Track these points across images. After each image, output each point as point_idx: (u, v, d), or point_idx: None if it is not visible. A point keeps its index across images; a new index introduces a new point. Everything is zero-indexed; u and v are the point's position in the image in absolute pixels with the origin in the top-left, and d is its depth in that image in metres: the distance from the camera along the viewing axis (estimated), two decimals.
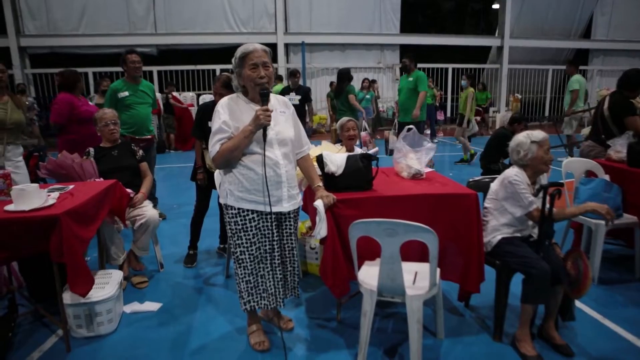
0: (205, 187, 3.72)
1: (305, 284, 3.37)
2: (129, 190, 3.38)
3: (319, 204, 2.44)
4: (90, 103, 4.76)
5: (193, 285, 3.44)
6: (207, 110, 3.47)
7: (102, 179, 3.35)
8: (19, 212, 2.36)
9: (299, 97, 7.16)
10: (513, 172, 2.62)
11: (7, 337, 2.58)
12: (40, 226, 2.34)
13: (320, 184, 2.57)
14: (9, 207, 2.42)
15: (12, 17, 11.99)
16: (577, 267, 2.54)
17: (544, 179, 2.78)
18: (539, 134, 2.62)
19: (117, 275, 2.96)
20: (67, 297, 2.58)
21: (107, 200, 2.99)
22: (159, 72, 13.12)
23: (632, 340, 2.62)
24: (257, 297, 2.45)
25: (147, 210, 3.46)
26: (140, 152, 3.80)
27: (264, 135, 2.23)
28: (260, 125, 2.20)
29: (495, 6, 15.62)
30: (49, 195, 2.58)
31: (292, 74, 7.54)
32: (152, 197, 5.15)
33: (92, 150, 3.62)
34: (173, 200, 5.79)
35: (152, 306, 3.07)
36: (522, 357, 2.44)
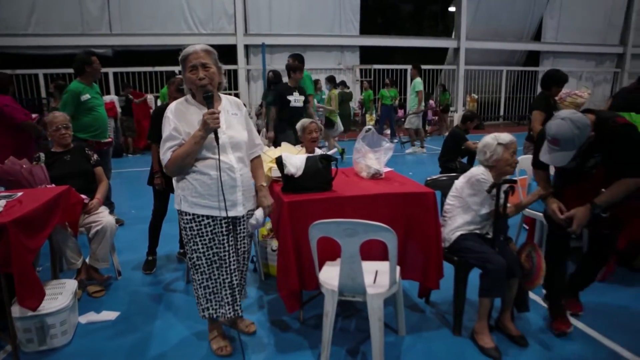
0: (163, 192, 3.63)
1: (267, 286, 3.35)
2: (83, 196, 3.27)
3: (259, 214, 2.39)
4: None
5: (152, 292, 3.36)
6: (162, 113, 3.39)
7: (53, 185, 3.21)
8: None
9: (302, 97, 5.68)
10: (480, 171, 2.69)
11: None
12: None
13: (264, 183, 2.53)
14: None
15: None
16: (530, 260, 2.64)
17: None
18: (506, 137, 2.68)
19: (71, 284, 2.85)
20: (16, 310, 2.46)
21: (58, 207, 2.87)
22: (115, 74, 12.71)
23: (581, 327, 2.75)
24: (215, 305, 2.41)
25: (104, 217, 3.35)
26: (95, 156, 3.68)
27: (217, 138, 2.19)
28: (210, 129, 2.15)
29: (452, 9, 16.04)
30: None
31: (292, 68, 5.67)
32: (108, 202, 5.01)
33: (42, 155, 3.47)
34: (131, 205, 5.63)
35: (109, 315, 2.97)
36: (481, 349, 2.51)
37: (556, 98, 4.43)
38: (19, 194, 2.81)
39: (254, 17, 13.41)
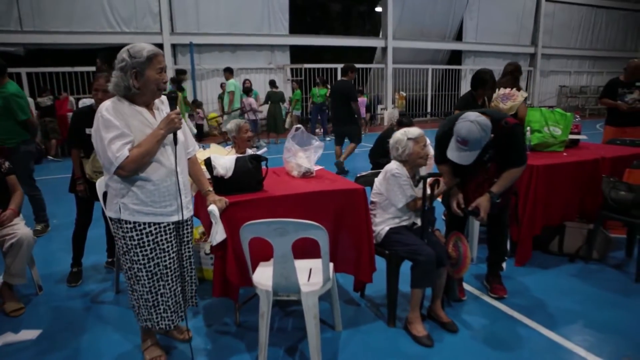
0: (86, 199, 3.44)
1: (201, 291, 3.27)
2: None
3: (213, 208, 2.38)
4: None
5: (78, 305, 3.17)
6: (83, 117, 3.23)
7: None
8: None
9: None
10: (394, 166, 2.80)
11: None
12: None
13: (211, 188, 2.51)
14: None
15: None
16: (457, 249, 2.80)
17: (422, 171, 3.00)
18: (414, 131, 2.83)
19: None
20: None
21: None
22: (29, 74, 11.81)
23: (505, 310, 2.94)
24: (156, 318, 2.31)
25: (19, 229, 3.10)
26: (7, 164, 3.40)
27: (175, 139, 2.16)
28: (174, 129, 2.13)
29: (379, 9, 16.50)
30: None
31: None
32: (42, 213, 4.69)
33: None
34: (51, 213, 5.27)
35: (29, 334, 2.76)
36: (414, 338, 2.62)
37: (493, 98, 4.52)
38: None
39: (180, 16, 13.03)
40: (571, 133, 4.14)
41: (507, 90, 4.18)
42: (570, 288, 3.26)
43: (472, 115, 2.58)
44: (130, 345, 2.63)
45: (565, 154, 3.92)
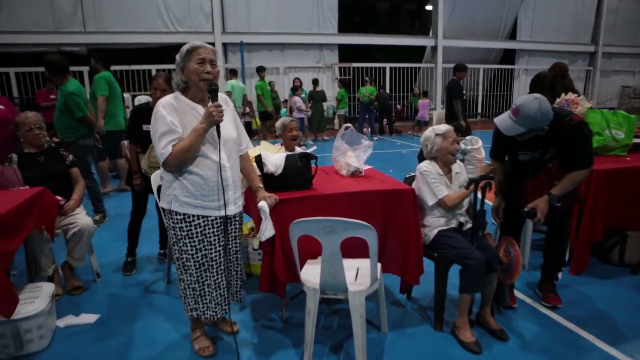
0: (142, 192, 3.58)
1: (249, 286, 3.34)
2: (58, 197, 3.20)
3: (263, 204, 2.42)
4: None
5: (133, 294, 3.31)
6: (141, 113, 3.35)
7: (27, 187, 3.14)
8: None
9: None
10: (424, 164, 2.80)
11: None
12: None
13: (261, 185, 2.55)
14: None
15: None
16: (508, 255, 2.70)
17: (468, 172, 2.94)
18: (442, 127, 2.83)
19: (47, 288, 2.78)
20: None
21: (33, 209, 2.80)
22: (90, 73, 12.43)
23: (558, 320, 2.81)
24: (203, 307, 2.39)
25: (80, 218, 3.28)
26: (70, 156, 3.60)
27: (218, 132, 2.17)
28: (214, 122, 2.14)
29: (429, 7, 16.21)
30: None
31: None
32: (99, 203, 4.95)
33: (14, 156, 3.38)
34: (108, 205, 5.53)
35: (88, 318, 2.91)
36: (462, 344, 2.55)
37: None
38: None
39: (231, 16, 13.34)
40: (635, 136, 3.91)
41: (572, 95, 3.98)
42: (632, 301, 3.07)
43: (542, 97, 2.49)
44: (180, 334, 2.72)
45: (628, 158, 3.70)
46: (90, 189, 4.79)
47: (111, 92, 5.55)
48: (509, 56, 17.23)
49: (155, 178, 3.16)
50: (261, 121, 10.83)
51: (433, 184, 2.72)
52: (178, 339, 2.68)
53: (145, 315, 2.97)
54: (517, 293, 3.12)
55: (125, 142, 6.56)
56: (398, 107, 15.24)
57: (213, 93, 2.19)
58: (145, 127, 3.21)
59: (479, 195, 2.66)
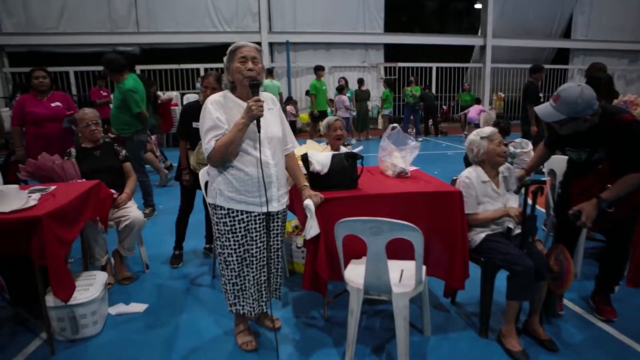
0: (190, 188, 3.69)
1: (292, 283, 3.37)
2: (112, 190, 3.34)
3: (308, 203, 2.43)
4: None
5: (179, 286, 3.42)
6: (191, 111, 3.45)
7: (84, 180, 3.30)
8: None
9: None
10: (466, 173, 2.74)
11: None
12: (21, 228, 2.29)
13: (306, 183, 2.57)
14: None
15: None
16: (559, 263, 2.59)
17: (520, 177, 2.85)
18: (487, 130, 2.75)
19: (101, 276, 2.92)
20: (50, 299, 2.54)
21: (90, 201, 2.95)
22: (142, 71, 12.93)
23: (613, 333, 2.68)
24: (242, 302, 2.45)
25: (132, 211, 3.42)
26: (124, 152, 3.76)
27: (258, 127, 2.20)
28: (253, 116, 2.16)
29: (478, 6, 15.79)
30: (29, 197, 2.54)
31: None
32: (149, 197, 5.15)
33: (73, 150, 3.57)
34: (157, 199, 5.72)
35: (138, 307, 3.04)
36: (507, 353, 2.47)
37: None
38: (52, 187, 2.89)
39: (278, 15, 13.48)
40: None
41: (631, 96, 3.78)
42: None
43: (585, 85, 2.40)
44: (223, 328, 2.78)
45: None
46: (142, 183, 4.98)
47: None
48: (562, 56, 16.51)
49: (203, 174, 3.25)
50: (314, 122, 10.80)
51: (467, 198, 2.65)
52: (221, 332, 2.74)
53: (191, 308, 3.06)
54: (568, 303, 3.00)
55: (152, 137, 6.74)
56: (444, 107, 14.94)
57: (254, 88, 2.22)
58: (194, 124, 3.30)
59: (529, 200, 2.57)
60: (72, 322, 2.60)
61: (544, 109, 2.45)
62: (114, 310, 2.99)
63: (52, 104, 4.33)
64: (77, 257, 3.65)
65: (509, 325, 2.53)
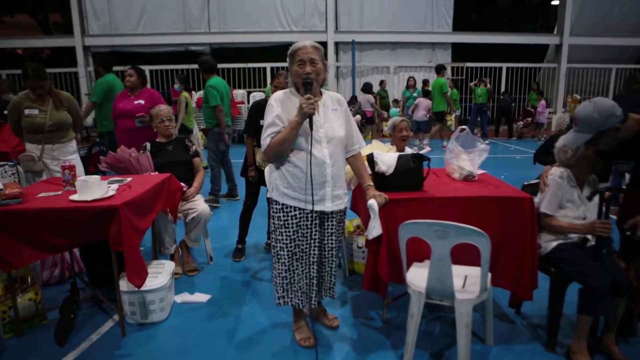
0: (255, 184, 3.78)
1: (351, 283, 3.37)
2: (182, 184, 3.50)
3: (372, 202, 2.42)
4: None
5: (241, 279, 3.52)
6: (259, 108, 3.53)
7: (157, 173, 3.48)
8: (81, 202, 2.49)
9: None
10: (559, 171, 2.58)
11: (70, 319, 2.74)
12: (101, 215, 2.45)
13: (371, 183, 2.55)
14: (74, 197, 2.56)
15: (78, 18, 12.71)
16: None
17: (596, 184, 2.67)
18: None
19: (169, 265, 3.07)
20: (124, 284, 2.70)
21: (162, 193, 3.10)
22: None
23: None
24: (290, 294, 2.48)
25: (199, 205, 3.57)
26: (194, 147, 3.92)
27: (310, 125, 2.21)
28: (305, 114, 2.17)
29: (555, 2, 14.93)
30: (109, 187, 2.71)
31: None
32: (216, 188, 5.50)
33: (148, 145, 3.77)
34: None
35: (201, 297, 3.16)
36: None
37: None
38: (128, 179, 3.07)
39: (344, 15, 13.50)
40: None
41: None
42: None
43: (598, 98, 2.30)
44: (282, 322, 2.83)
45: None
46: (213, 169, 5.39)
47: (111, 96, 5.21)
48: None
49: (267, 171, 3.32)
50: (438, 122, 10.51)
51: (551, 196, 2.52)
52: (280, 327, 2.79)
53: (252, 301, 3.14)
54: None
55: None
56: (530, 109, 13.86)
57: (307, 86, 2.23)
58: (261, 122, 3.37)
59: (603, 208, 2.40)
60: (142, 306, 2.75)
61: (570, 137, 2.38)
62: (180, 298, 3.13)
63: (136, 101, 4.60)
64: (147, 246, 3.86)
65: (580, 341, 2.38)
